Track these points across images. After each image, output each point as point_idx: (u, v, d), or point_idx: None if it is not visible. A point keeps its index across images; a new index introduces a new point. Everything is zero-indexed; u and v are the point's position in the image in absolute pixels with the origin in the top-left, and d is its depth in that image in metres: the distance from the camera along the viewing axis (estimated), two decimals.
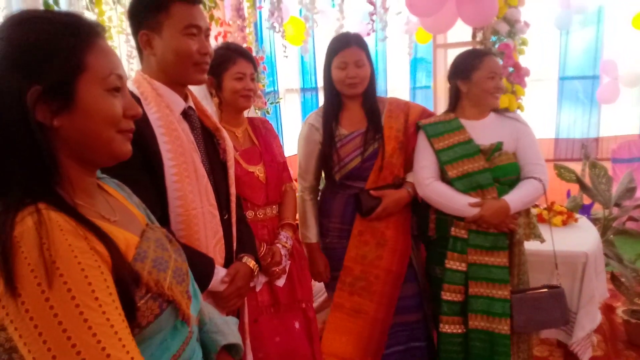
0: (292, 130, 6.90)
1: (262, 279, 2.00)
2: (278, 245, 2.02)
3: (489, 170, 2.14)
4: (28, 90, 0.78)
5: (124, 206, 1.00)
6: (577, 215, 3.19)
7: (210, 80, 2.01)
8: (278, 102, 6.16)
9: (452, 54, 4.85)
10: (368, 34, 4.34)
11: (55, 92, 0.80)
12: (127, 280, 0.81)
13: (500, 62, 3.42)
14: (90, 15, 3.51)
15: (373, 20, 3.94)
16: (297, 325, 2.08)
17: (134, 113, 0.91)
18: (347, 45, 2.19)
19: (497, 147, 2.17)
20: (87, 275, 0.72)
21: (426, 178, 2.22)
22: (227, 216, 1.64)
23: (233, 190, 1.67)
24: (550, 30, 5.84)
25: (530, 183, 2.15)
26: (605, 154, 5.95)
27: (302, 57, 6.84)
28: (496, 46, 3.26)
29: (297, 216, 2.31)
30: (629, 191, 3.53)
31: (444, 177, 2.23)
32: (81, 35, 0.83)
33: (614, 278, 3.28)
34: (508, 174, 2.17)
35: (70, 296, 0.70)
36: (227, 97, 2.02)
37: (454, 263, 2.20)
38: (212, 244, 1.52)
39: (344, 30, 4.62)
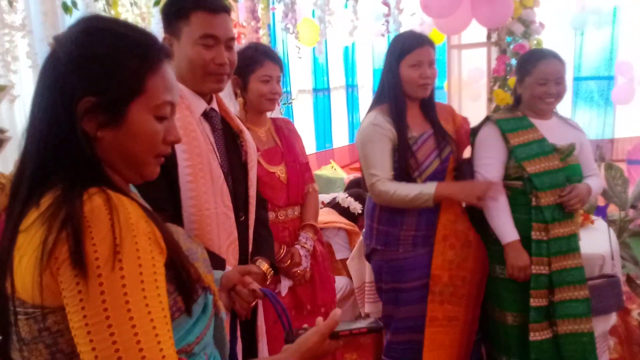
0: (305, 130, 6.92)
1: (287, 283, 1.99)
2: (297, 246, 2.01)
3: (562, 169, 2.14)
4: (80, 99, 0.79)
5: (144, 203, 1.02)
6: (593, 217, 3.17)
7: (235, 80, 1.98)
8: (291, 102, 6.19)
9: (466, 55, 4.85)
10: (383, 35, 4.35)
11: (108, 108, 0.81)
12: (183, 264, 0.83)
13: (514, 61, 3.42)
14: None
15: (388, 22, 3.95)
16: None
17: (174, 139, 0.91)
18: (422, 44, 2.11)
19: (573, 149, 2.18)
20: (140, 257, 0.74)
21: (492, 177, 2.17)
22: (243, 218, 1.63)
23: (252, 192, 1.66)
24: (565, 31, 5.81)
25: (598, 180, 2.25)
26: (621, 155, 5.91)
27: (315, 58, 6.87)
28: (511, 47, 3.26)
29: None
30: None
31: (509, 173, 2.19)
32: (149, 58, 0.84)
33: (629, 280, 3.25)
34: (577, 175, 2.18)
35: (121, 284, 0.71)
36: (252, 99, 1.99)
37: (538, 268, 2.13)
38: (225, 245, 1.52)
39: (357, 31, 4.65)
